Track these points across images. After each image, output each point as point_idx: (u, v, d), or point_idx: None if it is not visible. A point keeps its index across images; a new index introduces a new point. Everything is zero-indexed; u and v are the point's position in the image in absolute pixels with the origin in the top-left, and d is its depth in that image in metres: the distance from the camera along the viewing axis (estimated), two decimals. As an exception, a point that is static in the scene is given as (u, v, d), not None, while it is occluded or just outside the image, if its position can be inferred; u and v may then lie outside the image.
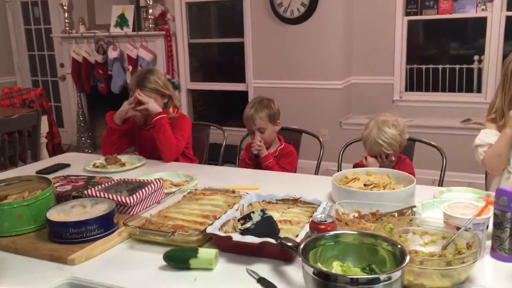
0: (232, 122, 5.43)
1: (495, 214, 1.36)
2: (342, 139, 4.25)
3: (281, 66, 5.22)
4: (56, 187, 1.97)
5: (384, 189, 1.84)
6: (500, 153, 2.11)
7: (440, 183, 2.38)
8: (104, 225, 1.57)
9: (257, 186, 2.05)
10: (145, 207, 1.81)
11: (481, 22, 4.73)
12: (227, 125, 5.01)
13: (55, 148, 5.02)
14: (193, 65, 5.93)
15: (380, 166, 2.31)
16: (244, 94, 5.51)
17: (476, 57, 4.88)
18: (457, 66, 5.00)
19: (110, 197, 1.76)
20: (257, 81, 5.40)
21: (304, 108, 5.14)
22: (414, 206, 1.59)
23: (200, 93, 6.15)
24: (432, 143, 2.54)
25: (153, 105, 2.60)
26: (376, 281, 1.05)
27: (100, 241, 1.53)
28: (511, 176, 2.14)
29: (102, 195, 1.78)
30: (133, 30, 5.78)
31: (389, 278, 1.05)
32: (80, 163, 2.53)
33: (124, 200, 1.75)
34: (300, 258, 1.15)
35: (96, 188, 1.87)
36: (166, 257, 1.39)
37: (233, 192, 1.86)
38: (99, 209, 1.66)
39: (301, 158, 2.84)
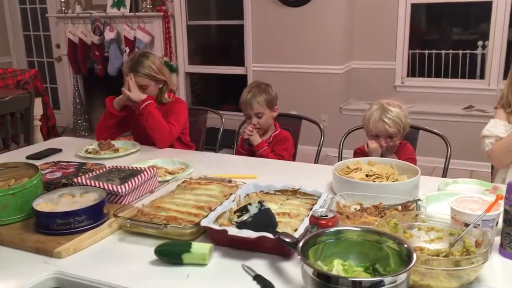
0: (231, 106, 5.34)
1: (505, 210, 1.28)
2: (342, 125, 4.21)
3: (281, 50, 5.11)
4: (46, 174, 1.89)
5: (387, 180, 1.77)
6: (510, 149, 2.06)
7: (444, 173, 2.30)
8: (94, 215, 1.50)
9: (254, 175, 1.97)
10: (137, 196, 1.73)
11: (485, 7, 4.61)
12: (225, 109, 4.93)
13: (50, 131, 4.91)
14: (191, 48, 5.81)
15: (382, 151, 2.23)
16: (243, 78, 5.41)
17: (480, 43, 4.78)
18: (460, 52, 4.90)
19: (101, 185, 1.68)
20: (256, 64, 5.30)
21: (304, 93, 5.05)
22: (419, 199, 1.52)
23: (198, 76, 6.04)
24: (436, 131, 2.46)
25: (136, 93, 2.51)
26: (381, 284, 0.97)
27: (89, 233, 1.46)
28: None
29: (92, 184, 1.70)
30: (130, 10, 5.65)
31: (394, 281, 0.98)
32: (73, 148, 2.45)
33: (115, 189, 1.67)
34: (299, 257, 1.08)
35: (87, 175, 1.79)
36: (158, 251, 1.32)
37: (230, 181, 1.78)
38: (89, 199, 1.58)
39: (300, 144, 2.77)
